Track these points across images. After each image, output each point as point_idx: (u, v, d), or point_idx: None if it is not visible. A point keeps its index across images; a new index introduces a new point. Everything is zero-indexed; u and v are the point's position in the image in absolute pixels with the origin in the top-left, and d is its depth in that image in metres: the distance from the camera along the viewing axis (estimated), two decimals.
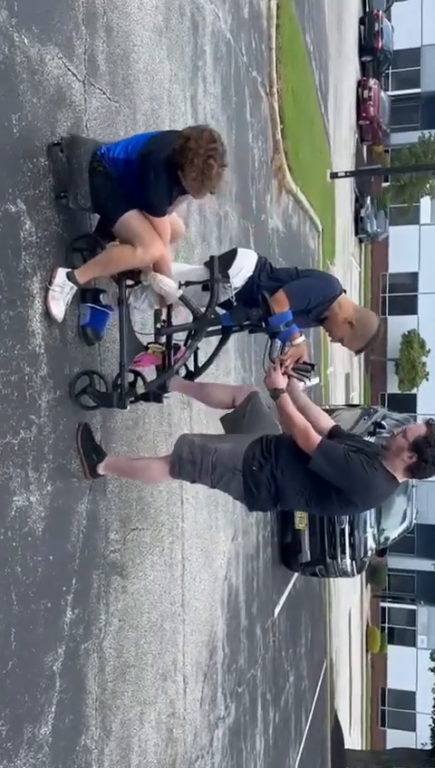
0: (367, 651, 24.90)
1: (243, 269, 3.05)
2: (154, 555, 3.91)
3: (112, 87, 3.44)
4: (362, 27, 23.21)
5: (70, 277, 2.72)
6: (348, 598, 18.97)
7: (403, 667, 26.66)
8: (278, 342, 2.89)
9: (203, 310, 2.86)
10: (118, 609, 3.35)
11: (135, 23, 3.73)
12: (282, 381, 2.78)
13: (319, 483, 2.75)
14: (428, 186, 25.10)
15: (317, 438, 2.72)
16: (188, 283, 2.90)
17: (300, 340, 2.86)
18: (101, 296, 2.99)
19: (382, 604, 27.61)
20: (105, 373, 3.14)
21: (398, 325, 26.17)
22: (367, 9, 24.01)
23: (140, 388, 2.93)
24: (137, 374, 3.26)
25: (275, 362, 2.82)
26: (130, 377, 3.18)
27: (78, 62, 3.04)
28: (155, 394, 3.27)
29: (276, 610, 7.77)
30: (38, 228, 2.65)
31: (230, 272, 2.98)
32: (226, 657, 5.42)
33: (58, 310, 2.69)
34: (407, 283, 27.40)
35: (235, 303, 2.95)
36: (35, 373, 2.61)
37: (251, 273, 3.07)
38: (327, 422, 2.92)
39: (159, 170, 2.59)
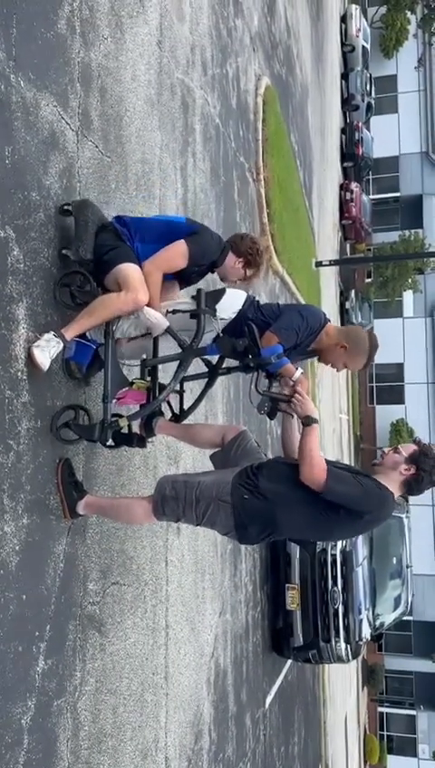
0: (365, 762, 23.19)
1: (231, 305, 3.06)
2: (136, 616, 3.68)
3: (105, 143, 3.58)
4: (343, 136, 24.85)
5: (57, 335, 2.71)
6: (344, 701, 17.86)
7: None
8: (263, 375, 2.85)
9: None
10: (95, 668, 3.10)
11: (128, 91, 3.95)
12: (315, 410, 2.74)
13: (314, 509, 2.66)
14: (409, 281, 26.14)
15: (324, 468, 2.64)
16: (175, 311, 2.90)
17: (298, 374, 2.82)
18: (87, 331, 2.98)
19: (380, 709, 26.02)
20: (90, 409, 3.07)
21: (386, 414, 26.35)
22: (347, 120, 25.81)
23: (123, 422, 2.85)
24: (119, 417, 3.18)
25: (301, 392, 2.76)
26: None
27: (72, 114, 3.18)
28: (139, 438, 3.19)
29: (267, 701, 7.27)
30: (26, 257, 2.67)
31: (218, 306, 2.99)
32: (212, 743, 5.00)
33: (43, 358, 2.62)
34: (393, 373, 27.84)
35: (221, 335, 2.94)
36: (16, 398, 2.55)
37: (240, 309, 3.08)
38: None
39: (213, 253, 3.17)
